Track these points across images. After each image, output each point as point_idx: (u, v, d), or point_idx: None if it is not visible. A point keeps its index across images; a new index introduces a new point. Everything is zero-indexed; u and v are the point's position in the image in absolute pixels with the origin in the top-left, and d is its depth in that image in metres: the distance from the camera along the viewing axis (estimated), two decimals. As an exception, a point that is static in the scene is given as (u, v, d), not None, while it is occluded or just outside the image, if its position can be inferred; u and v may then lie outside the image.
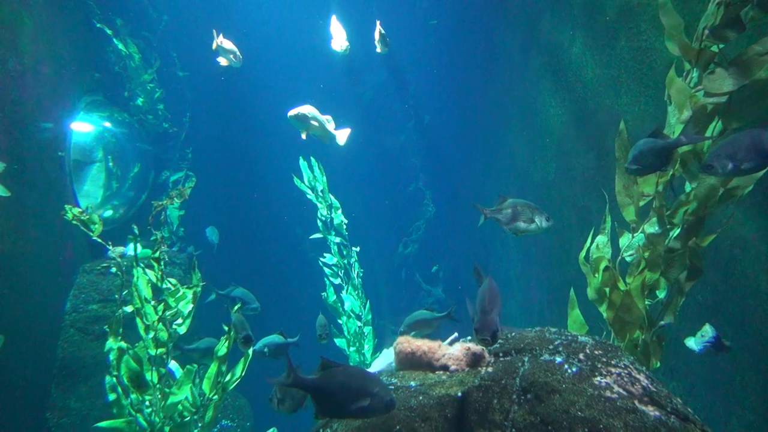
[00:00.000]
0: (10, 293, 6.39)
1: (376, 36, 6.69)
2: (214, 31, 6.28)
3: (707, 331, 4.44)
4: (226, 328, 4.73)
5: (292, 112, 5.55)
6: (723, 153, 3.32)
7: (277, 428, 6.96)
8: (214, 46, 6.40)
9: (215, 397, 4.64)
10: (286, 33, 12.89)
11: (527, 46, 9.52)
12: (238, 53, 6.63)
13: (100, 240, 4.48)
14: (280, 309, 11.81)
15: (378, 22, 6.66)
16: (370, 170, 15.14)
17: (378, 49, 6.65)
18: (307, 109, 5.62)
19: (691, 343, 4.44)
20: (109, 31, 9.50)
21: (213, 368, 4.67)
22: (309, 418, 3.76)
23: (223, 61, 6.55)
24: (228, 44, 6.56)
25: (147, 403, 4.39)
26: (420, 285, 15.07)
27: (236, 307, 4.97)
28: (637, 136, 4.66)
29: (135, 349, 4.37)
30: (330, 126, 5.82)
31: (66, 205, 4.44)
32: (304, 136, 5.73)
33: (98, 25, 9.40)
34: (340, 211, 8.04)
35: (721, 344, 4.37)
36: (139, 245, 4.62)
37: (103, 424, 4.35)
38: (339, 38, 5.92)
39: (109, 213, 9.52)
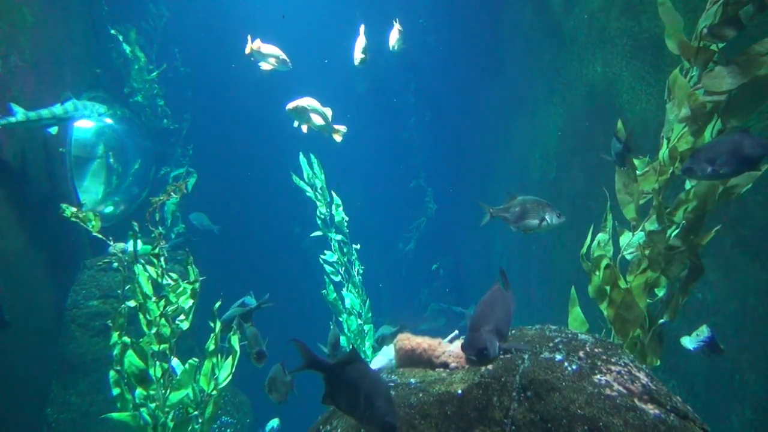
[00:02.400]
0: (11, 289, 6.40)
1: (394, 35, 6.49)
2: (249, 36, 6.01)
3: (703, 331, 4.45)
4: (211, 324, 4.75)
5: (290, 105, 5.45)
6: (703, 156, 3.36)
7: (279, 420, 6.98)
8: (247, 50, 6.06)
9: (214, 393, 4.66)
10: (287, 28, 12.89)
11: (530, 42, 9.51)
12: (282, 56, 6.18)
13: (100, 236, 4.49)
14: (280, 306, 11.80)
15: (396, 21, 6.49)
16: (371, 167, 15.12)
17: (395, 48, 6.50)
18: (308, 102, 5.54)
19: (687, 341, 4.45)
20: (120, 37, 9.54)
21: (207, 365, 4.70)
22: (311, 411, 3.78)
23: (265, 65, 6.17)
24: (268, 48, 6.17)
25: (151, 398, 4.42)
26: (450, 308, 14.34)
27: (217, 305, 4.95)
28: (638, 135, 4.67)
29: (140, 344, 4.40)
30: (330, 117, 5.75)
31: (63, 204, 4.44)
32: (305, 130, 5.66)
33: (112, 32, 9.45)
34: (341, 209, 8.02)
35: (715, 345, 4.38)
36: (139, 242, 4.63)
37: (110, 415, 4.38)
38: (356, 52, 5.79)
39: (109, 209, 9.52)
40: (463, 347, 2.68)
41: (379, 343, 6.47)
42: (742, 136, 3.29)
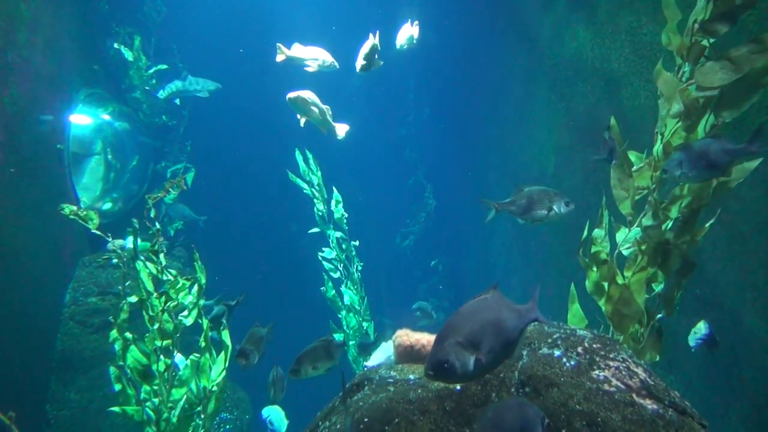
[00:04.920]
0: (9, 286, 6.39)
1: (405, 34, 6.22)
2: (278, 45, 5.76)
3: (700, 328, 4.47)
4: (200, 321, 4.76)
5: (291, 95, 5.32)
6: (677, 159, 3.48)
7: (280, 409, 6.98)
8: (279, 58, 5.75)
9: (215, 388, 4.68)
10: (285, 24, 12.87)
11: (528, 38, 9.50)
12: (322, 58, 5.76)
13: (99, 232, 4.48)
14: (278, 305, 11.83)
15: (413, 22, 6.19)
16: (369, 164, 15.11)
17: (403, 47, 6.27)
18: (308, 95, 5.43)
19: (689, 339, 4.49)
20: (122, 47, 9.57)
21: (203, 361, 4.71)
22: (310, 409, 3.79)
23: (308, 68, 5.85)
24: (307, 52, 5.83)
25: (153, 393, 4.44)
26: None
27: (201, 303, 4.94)
28: (637, 130, 4.66)
29: (144, 341, 4.42)
30: (329, 116, 5.62)
31: (63, 204, 4.44)
32: (302, 123, 5.57)
33: (115, 45, 9.52)
34: (341, 205, 8.00)
35: (713, 341, 4.41)
36: (138, 238, 4.64)
37: (116, 408, 4.39)
38: (359, 58, 5.47)
39: (108, 206, 9.51)
40: (427, 359, 2.34)
41: (360, 352, 6.75)
42: (712, 142, 3.41)
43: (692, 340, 4.47)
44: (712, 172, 3.47)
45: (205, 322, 4.78)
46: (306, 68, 5.75)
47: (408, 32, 6.21)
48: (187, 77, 9.61)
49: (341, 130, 5.79)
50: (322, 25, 12.26)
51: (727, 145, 3.38)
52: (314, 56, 5.73)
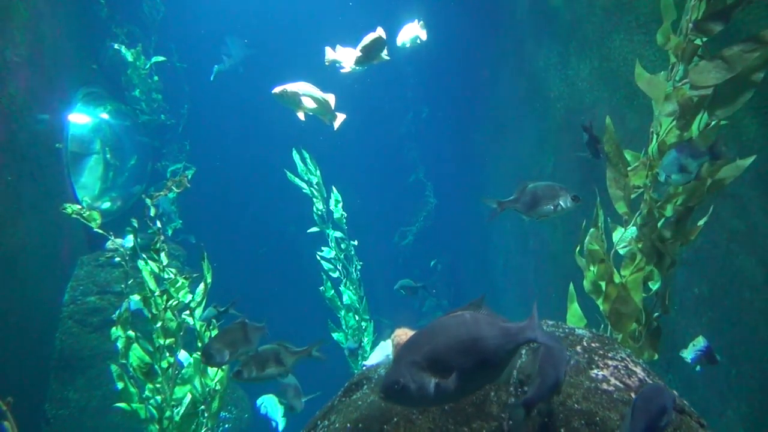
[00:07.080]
0: (8, 285, 6.38)
1: (409, 33, 6.10)
2: (327, 48, 5.60)
3: (699, 341, 4.50)
4: (193, 323, 4.79)
5: (276, 90, 4.98)
6: (663, 164, 3.65)
7: (274, 397, 6.95)
8: (327, 62, 5.59)
9: (218, 387, 4.69)
10: (285, 20, 12.86)
11: (528, 37, 9.50)
12: (354, 61, 5.71)
13: (101, 231, 4.49)
14: (276, 305, 11.82)
15: (419, 22, 6.10)
16: (369, 162, 15.09)
17: (405, 45, 6.18)
18: (300, 87, 5.21)
19: (685, 354, 4.52)
20: (123, 51, 9.58)
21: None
22: (311, 405, 3.80)
23: (345, 69, 5.68)
24: (342, 54, 5.68)
25: (156, 391, 4.45)
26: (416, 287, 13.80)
27: (191, 303, 4.95)
28: (634, 130, 4.65)
29: (145, 338, 4.44)
30: (331, 103, 5.36)
31: (65, 203, 4.44)
32: (302, 117, 5.33)
33: (115, 46, 9.51)
34: (340, 205, 7.98)
35: (711, 356, 4.43)
36: (131, 237, 4.65)
37: (121, 405, 4.40)
38: (356, 49, 5.32)
39: (106, 205, 9.50)
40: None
41: (350, 355, 6.93)
42: (683, 147, 3.55)
43: (690, 353, 4.50)
44: (686, 176, 3.59)
45: (197, 324, 4.79)
46: (342, 70, 5.62)
47: (413, 31, 6.14)
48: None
49: (339, 120, 5.58)
50: (321, 24, 12.24)
51: (695, 149, 3.52)
52: (350, 57, 5.58)
